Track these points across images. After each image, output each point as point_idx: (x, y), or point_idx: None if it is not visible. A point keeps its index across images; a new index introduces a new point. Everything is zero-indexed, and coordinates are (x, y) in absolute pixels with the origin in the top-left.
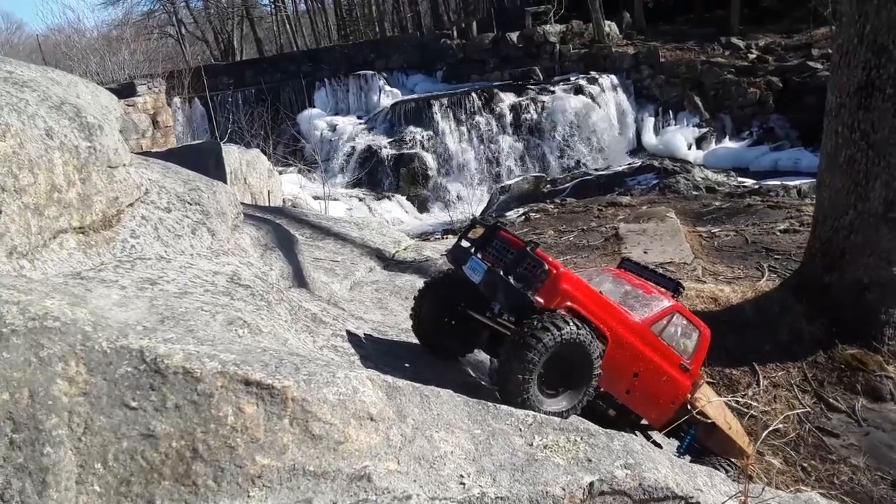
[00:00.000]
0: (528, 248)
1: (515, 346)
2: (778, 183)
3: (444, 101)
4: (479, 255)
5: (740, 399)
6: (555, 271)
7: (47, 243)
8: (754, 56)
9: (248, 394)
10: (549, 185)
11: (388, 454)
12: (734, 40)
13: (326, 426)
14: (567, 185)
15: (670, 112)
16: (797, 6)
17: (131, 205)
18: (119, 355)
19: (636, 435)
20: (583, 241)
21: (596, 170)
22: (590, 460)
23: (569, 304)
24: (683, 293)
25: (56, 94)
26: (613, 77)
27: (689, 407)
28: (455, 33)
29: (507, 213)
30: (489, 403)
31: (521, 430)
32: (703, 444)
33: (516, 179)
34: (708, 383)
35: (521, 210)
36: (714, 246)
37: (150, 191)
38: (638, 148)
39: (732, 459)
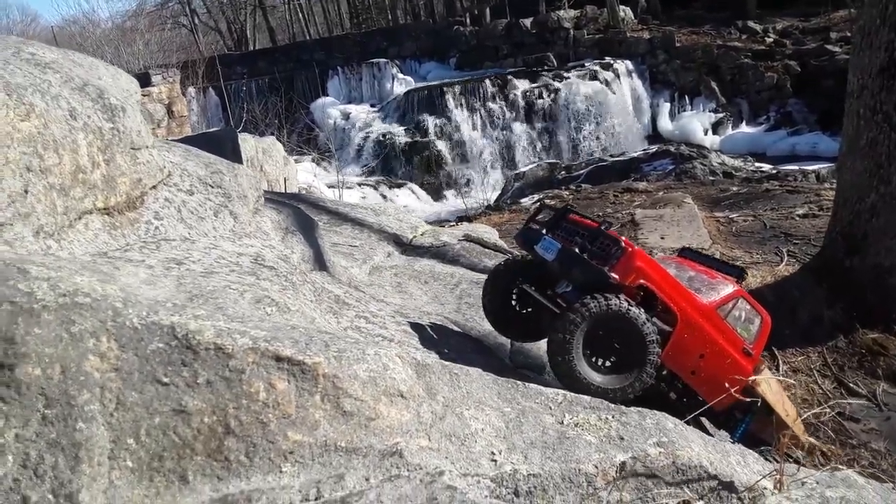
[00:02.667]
0: (602, 228)
1: (562, 315)
2: (796, 168)
3: (458, 88)
4: (549, 236)
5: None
6: (630, 249)
7: (73, 224)
8: (771, 40)
9: (279, 370)
10: (563, 172)
11: (420, 431)
12: (751, 24)
13: (357, 402)
14: (582, 171)
15: (686, 97)
16: None
17: (154, 187)
18: (150, 331)
19: (688, 424)
20: None
21: (611, 156)
22: (622, 438)
23: (642, 281)
24: (745, 278)
25: (78, 75)
26: (628, 62)
27: (749, 391)
28: (468, 20)
29: (522, 200)
30: (518, 381)
31: (551, 408)
32: (758, 433)
33: (531, 166)
34: None
35: (536, 196)
36: (732, 231)
37: (172, 173)
38: (654, 134)
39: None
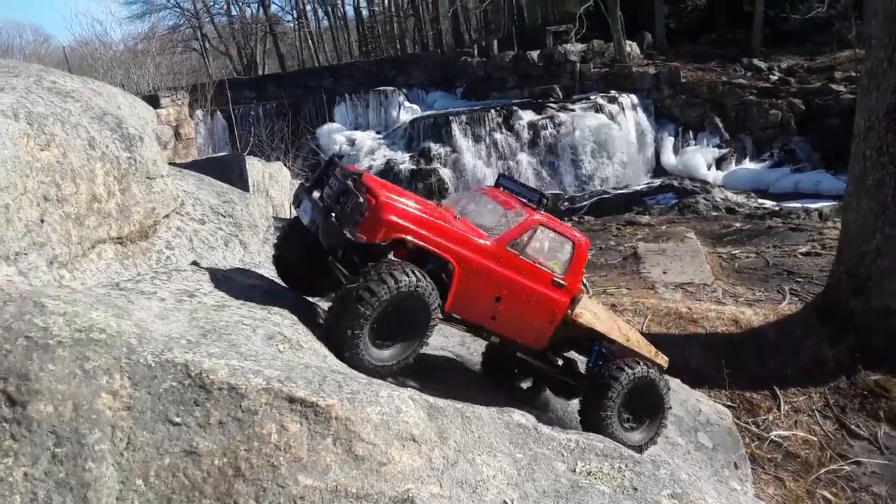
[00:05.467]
0: (349, 180)
1: (347, 299)
2: (799, 205)
3: (463, 117)
4: (315, 195)
5: (760, 423)
6: (374, 201)
7: (86, 253)
8: (776, 78)
9: (292, 411)
10: (566, 203)
11: (431, 477)
12: (756, 62)
13: (369, 447)
14: (585, 203)
15: (690, 132)
16: (820, 29)
17: (167, 216)
18: (164, 369)
19: (544, 390)
20: (601, 260)
21: (614, 188)
22: (635, 489)
23: (400, 236)
24: (547, 204)
25: (98, 104)
26: (633, 96)
27: (573, 322)
28: (476, 51)
29: None
30: (530, 426)
31: (563, 454)
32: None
33: None
34: (728, 406)
35: None
36: (734, 267)
37: (185, 202)
38: (657, 167)
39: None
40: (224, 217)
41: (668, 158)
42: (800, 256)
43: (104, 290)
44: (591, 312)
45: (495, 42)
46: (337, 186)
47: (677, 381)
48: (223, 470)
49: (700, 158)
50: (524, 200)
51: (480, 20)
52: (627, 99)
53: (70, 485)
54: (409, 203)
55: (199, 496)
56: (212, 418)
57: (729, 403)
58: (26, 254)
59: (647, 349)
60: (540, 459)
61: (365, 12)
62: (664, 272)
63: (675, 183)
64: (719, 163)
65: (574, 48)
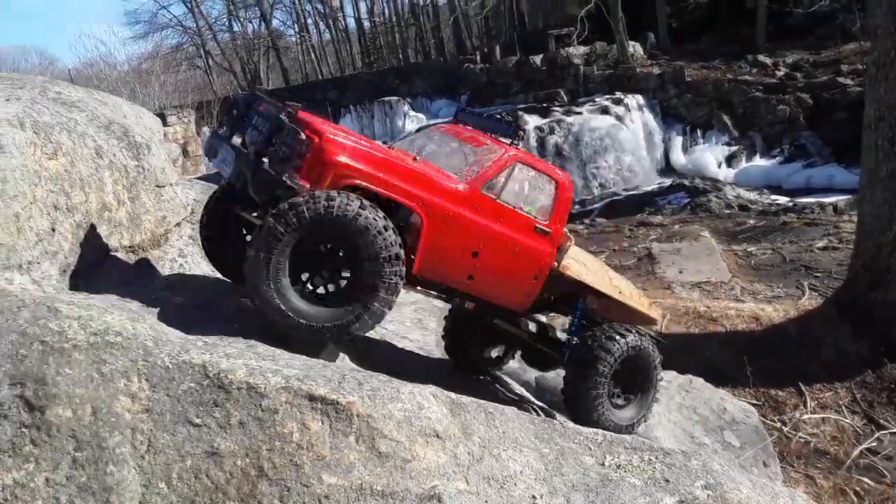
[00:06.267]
0: (282, 115)
1: (260, 226)
2: (813, 200)
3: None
4: (234, 141)
5: (787, 420)
6: (317, 139)
7: (99, 262)
8: (782, 73)
9: (313, 410)
10: (577, 206)
11: (457, 473)
12: (761, 58)
13: (393, 443)
14: (596, 205)
15: (698, 131)
16: (824, 23)
17: (178, 224)
18: (181, 371)
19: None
20: (615, 262)
21: (625, 190)
22: (668, 480)
23: (350, 181)
24: (524, 138)
25: (104, 114)
26: (639, 97)
27: (560, 277)
28: (478, 58)
29: None
30: (556, 421)
31: (590, 448)
32: (595, 317)
33: None
34: (753, 404)
35: None
36: (751, 265)
37: (195, 210)
38: (667, 167)
39: (640, 327)
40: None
41: (678, 158)
42: (817, 251)
43: (118, 296)
44: (580, 263)
45: (497, 48)
46: (266, 126)
47: (700, 380)
48: (246, 470)
49: (710, 157)
50: (495, 135)
51: (482, 27)
52: (633, 100)
53: (92, 489)
54: (360, 142)
55: (223, 497)
56: (232, 419)
57: (754, 401)
58: (39, 262)
59: (641, 301)
60: (567, 454)
61: (366, 24)
62: (680, 271)
63: (686, 182)
64: (729, 160)
65: (577, 51)
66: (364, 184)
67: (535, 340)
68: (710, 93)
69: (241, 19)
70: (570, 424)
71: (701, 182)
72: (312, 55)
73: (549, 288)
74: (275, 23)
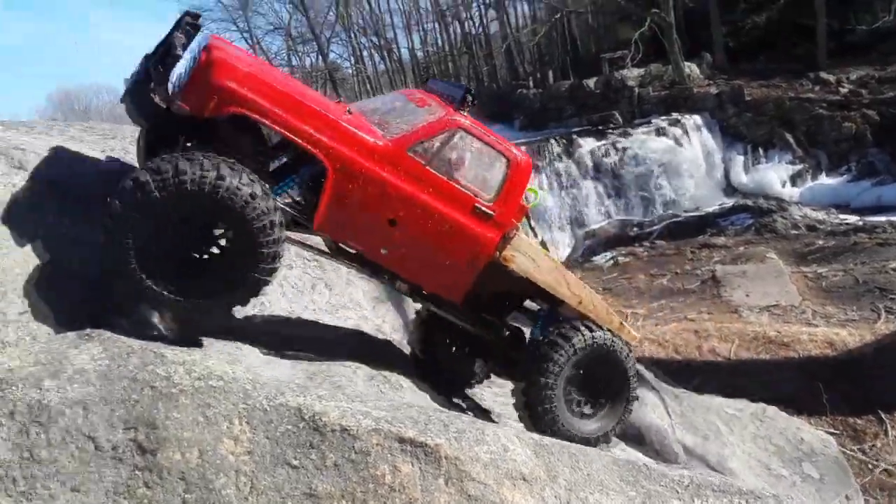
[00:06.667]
0: (180, 30)
1: (110, 227)
2: (884, 219)
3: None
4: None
5: (867, 450)
6: (205, 57)
7: None
8: (846, 90)
9: (403, 452)
10: (636, 229)
11: None
12: (823, 75)
13: (481, 486)
14: (655, 227)
15: (760, 150)
16: (886, 38)
17: None
18: (279, 413)
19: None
20: (678, 285)
21: (685, 211)
22: None
23: (237, 110)
24: (472, 104)
25: None
26: (697, 117)
27: (502, 269)
28: (531, 83)
29: (594, 258)
30: (640, 463)
31: (677, 491)
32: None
33: (601, 223)
34: (830, 433)
35: (609, 254)
36: (822, 287)
37: None
38: (728, 188)
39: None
40: (309, 261)
41: (739, 178)
42: (891, 272)
43: (212, 338)
44: (527, 257)
45: (550, 73)
46: (169, 46)
47: (774, 408)
48: None
49: (773, 176)
50: (444, 99)
51: (534, 53)
52: (691, 120)
53: None
54: (261, 69)
55: None
56: (327, 460)
57: (832, 430)
58: (138, 305)
59: (606, 317)
60: (654, 497)
61: (420, 54)
62: (747, 295)
63: (750, 202)
64: (794, 179)
65: (631, 73)
66: (250, 113)
67: (500, 344)
68: (770, 111)
69: (300, 53)
70: (655, 466)
71: (765, 202)
72: (367, 86)
73: (490, 281)
74: (331, 56)
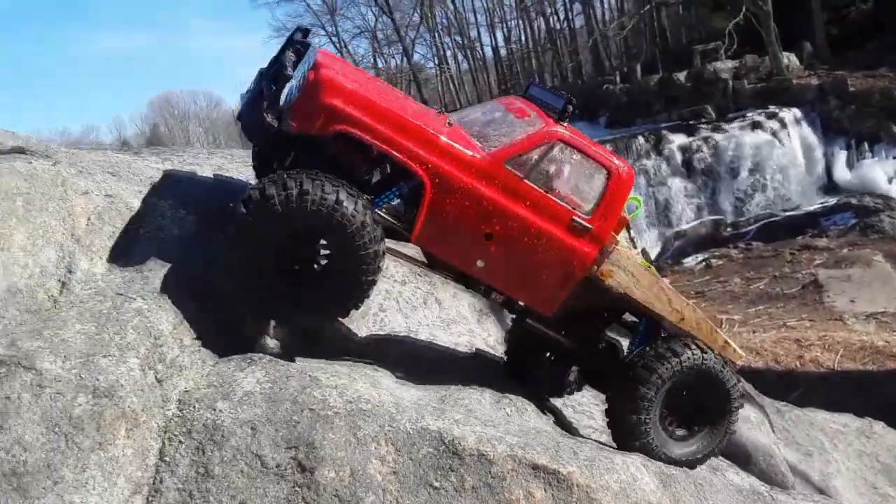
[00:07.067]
0: (289, 50)
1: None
2: None
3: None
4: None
5: None
6: (313, 76)
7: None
8: None
9: (536, 478)
10: (729, 229)
11: None
12: None
13: None
14: (750, 227)
15: (865, 144)
16: None
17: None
18: (421, 436)
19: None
20: (776, 290)
21: (783, 210)
22: None
23: (343, 128)
24: (572, 114)
25: None
26: (796, 111)
27: (599, 284)
28: (618, 78)
29: (685, 260)
30: (763, 492)
31: None
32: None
33: (692, 223)
34: None
35: (700, 256)
36: None
37: (388, 265)
38: (829, 185)
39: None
40: (420, 276)
41: (841, 174)
42: None
43: (350, 360)
44: (626, 272)
45: (638, 67)
46: (274, 61)
47: (881, 424)
48: None
49: (879, 172)
50: (545, 109)
51: (620, 46)
52: (790, 114)
53: None
54: (366, 85)
55: None
56: (466, 483)
57: None
58: (278, 328)
59: (710, 336)
60: None
61: (503, 51)
62: (852, 301)
63: (853, 200)
64: None
65: (724, 65)
66: (355, 132)
67: (594, 358)
68: (877, 103)
69: (385, 55)
70: (780, 497)
71: (871, 200)
72: (451, 85)
73: (586, 295)
74: (415, 57)
